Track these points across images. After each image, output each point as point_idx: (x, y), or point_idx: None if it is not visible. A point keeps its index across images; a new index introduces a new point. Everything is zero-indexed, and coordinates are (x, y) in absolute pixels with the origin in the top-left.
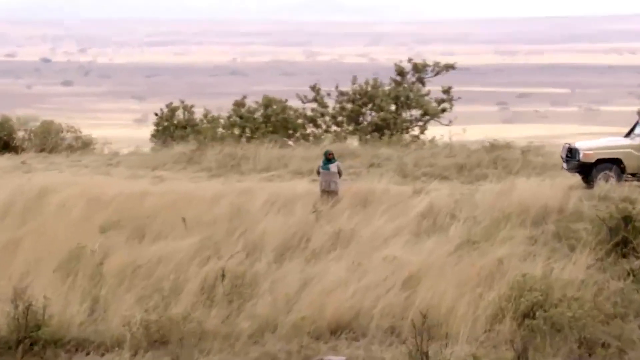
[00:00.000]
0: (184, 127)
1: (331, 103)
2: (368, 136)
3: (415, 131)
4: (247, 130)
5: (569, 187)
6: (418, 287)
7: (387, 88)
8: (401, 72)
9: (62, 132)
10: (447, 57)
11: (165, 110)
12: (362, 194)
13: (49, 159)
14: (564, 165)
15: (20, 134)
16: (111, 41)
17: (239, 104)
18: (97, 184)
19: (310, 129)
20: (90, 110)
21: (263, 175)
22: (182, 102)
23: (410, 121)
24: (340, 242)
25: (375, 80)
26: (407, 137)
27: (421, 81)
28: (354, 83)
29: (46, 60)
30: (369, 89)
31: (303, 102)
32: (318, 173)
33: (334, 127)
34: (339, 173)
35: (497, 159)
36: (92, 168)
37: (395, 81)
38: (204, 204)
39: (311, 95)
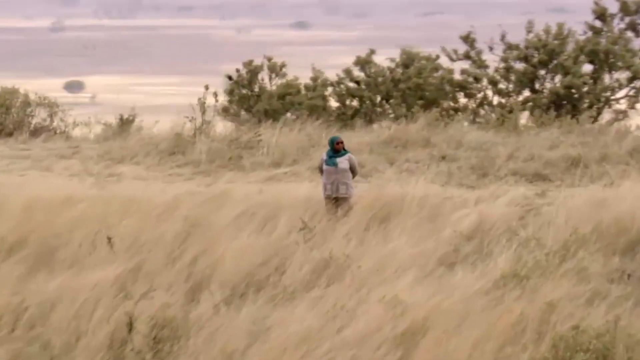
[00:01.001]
0: (283, 97)
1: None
2: (549, 112)
3: (622, 105)
4: (367, 101)
5: None
6: (421, 343)
7: (580, 38)
8: (603, 15)
9: (29, 106)
10: None
11: (244, 71)
12: (384, 203)
13: None
14: None
15: None
16: None
17: (362, 62)
18: (11, 184)
19: (462, 100)
20: (336, 66)
21: (272, 171)
22: (269, 59)
23: (613, 89)
24: (329, 274)
25: (559, 26)
26: (608, 113)
27: (634, 28)
28: (529, 31)
29: None
30: (550, 40)
31: (451, 60)
32: (321, 171)
33: (495, 98)
34: (352, 170)
35: (635, 150)
36: (34, 160)
37: (592, 28)
38: (150, 216)
39: (463, 49)
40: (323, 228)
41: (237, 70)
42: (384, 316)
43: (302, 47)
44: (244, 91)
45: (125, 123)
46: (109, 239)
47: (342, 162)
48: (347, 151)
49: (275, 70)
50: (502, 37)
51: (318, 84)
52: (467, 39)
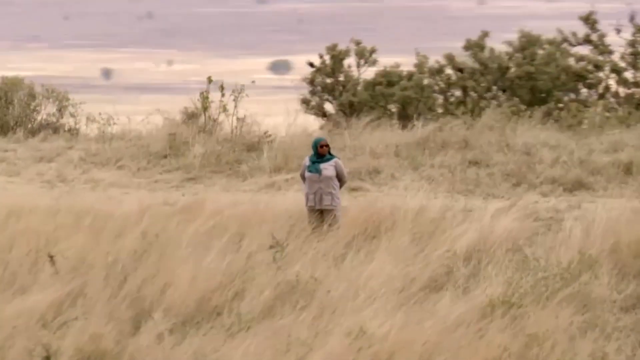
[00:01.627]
0: (374, 86)
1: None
2: None
3: None
4: (471, 92)
5: None
6: None
7: None
8: None
9: (34, 99)
10: None
11: (327, 57)
12: (376, 217)
13: None
14: None
15: None
16: None
17: (472, 46)
18: None
19: (583, 91)
20: None
21: (273, 178)
22: (357, 42)
23: None
24: (295, 300)
25: None
26: None
27: None
28: None
29: None
30: None
31: (570, 45)
32: (303, 179)
33: (620, 89)
34: (340, 178)
35: None
36: (9, 164)
37: None
38: (105, 231)
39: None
40: (300, 245)
41: (320, 57)
42: (349, 351)
43: (551, 20)
44: (328, 80)
45: (190, 117)
46: (51, 257)
47: (327, 168)
48: (333, 155)
49: (364, 56)
50: (631, 18)
51: (415, 73)
52: (588, 20)
